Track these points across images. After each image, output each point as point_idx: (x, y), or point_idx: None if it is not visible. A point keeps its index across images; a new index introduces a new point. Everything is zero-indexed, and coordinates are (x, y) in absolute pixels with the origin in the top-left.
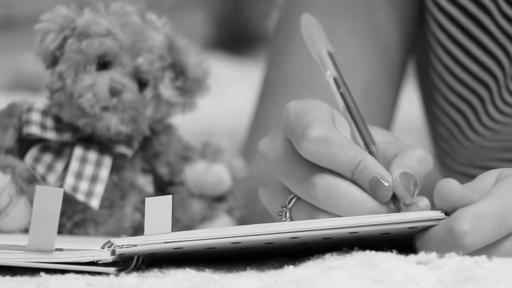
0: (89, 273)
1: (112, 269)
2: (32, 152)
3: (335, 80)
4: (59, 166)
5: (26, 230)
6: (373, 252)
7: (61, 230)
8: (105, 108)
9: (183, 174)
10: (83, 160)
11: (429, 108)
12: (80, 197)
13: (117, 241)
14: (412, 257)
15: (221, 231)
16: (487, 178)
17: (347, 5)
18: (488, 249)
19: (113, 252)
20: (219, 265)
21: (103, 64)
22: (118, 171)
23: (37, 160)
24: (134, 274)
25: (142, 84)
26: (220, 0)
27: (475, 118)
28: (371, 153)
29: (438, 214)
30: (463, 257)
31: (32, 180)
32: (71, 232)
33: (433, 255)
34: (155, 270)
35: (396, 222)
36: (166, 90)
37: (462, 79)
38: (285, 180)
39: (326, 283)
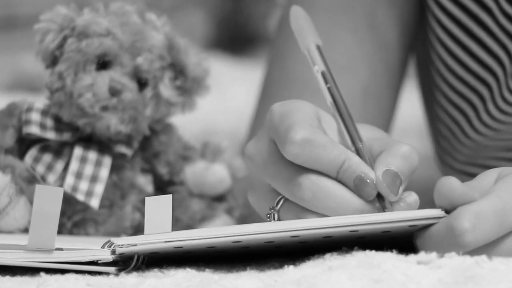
0: (89, 273)
1: (112, 269)
2: (32, 152)
3: (323, 74)
4: (59, 166)
5: (26, 230)
6: (373, 252)
7: (61, 230)
8: (104, 108)
9: (183, 173)
10: (83, 160)
11: (429, 106)
12: (80, 197)
13: (117, 240)
14: (412, 257)
15: (222, 230)
16: (487, 176)
17: (348, 4)
18: (488, 247)
19: (113, 252)
20: (219, 265)
21: (103, 63)
22: (118, 171)
23: (37, 160)
24: (134, 274)
25: (141, 83)
26: (220, 0)
27: (476, 116)
28: (357, 149)
29: (438, 212)
30: (463, 257)
31: (32, 180)
32: (71, 232)
33: (433, 255)
34: (155, 270)
35: (397, 221)
36: (166, 89)
37: (463, 77)
38: (272, 182)
39: (326, 283)
